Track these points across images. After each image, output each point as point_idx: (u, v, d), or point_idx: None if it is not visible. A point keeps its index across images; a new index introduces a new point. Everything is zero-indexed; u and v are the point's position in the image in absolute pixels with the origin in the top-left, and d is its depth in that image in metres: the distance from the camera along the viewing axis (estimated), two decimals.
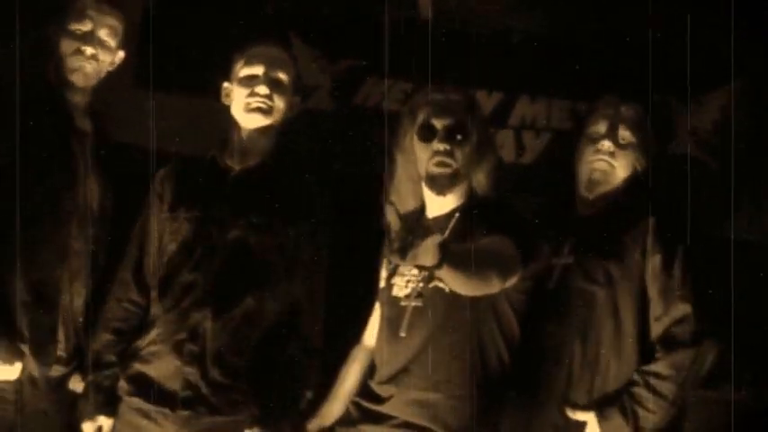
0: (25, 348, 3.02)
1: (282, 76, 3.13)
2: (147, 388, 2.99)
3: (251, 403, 2.99)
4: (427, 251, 2.42)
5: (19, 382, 3.03)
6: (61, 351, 3.11)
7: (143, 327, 3.08)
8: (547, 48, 3.81)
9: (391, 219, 2.42)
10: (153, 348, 3.03)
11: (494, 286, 2.70)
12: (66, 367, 3.14)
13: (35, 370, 3.05)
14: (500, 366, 2.88)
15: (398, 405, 2.87)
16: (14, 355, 3.00)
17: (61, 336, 3.11)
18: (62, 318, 3.11)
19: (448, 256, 2.46)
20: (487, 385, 2.85)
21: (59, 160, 3.10)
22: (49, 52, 3.18)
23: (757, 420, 3.47)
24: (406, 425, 2.84)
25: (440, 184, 2.93)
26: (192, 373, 2.96)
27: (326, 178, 3.23)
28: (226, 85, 3.17)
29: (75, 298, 3.14)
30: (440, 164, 2.91)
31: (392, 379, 2.90)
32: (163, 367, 3.00)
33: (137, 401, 3.00)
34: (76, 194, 3.14)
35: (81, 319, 3.15)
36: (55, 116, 3.11)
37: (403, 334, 2.88)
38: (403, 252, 2.37)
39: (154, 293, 3.09)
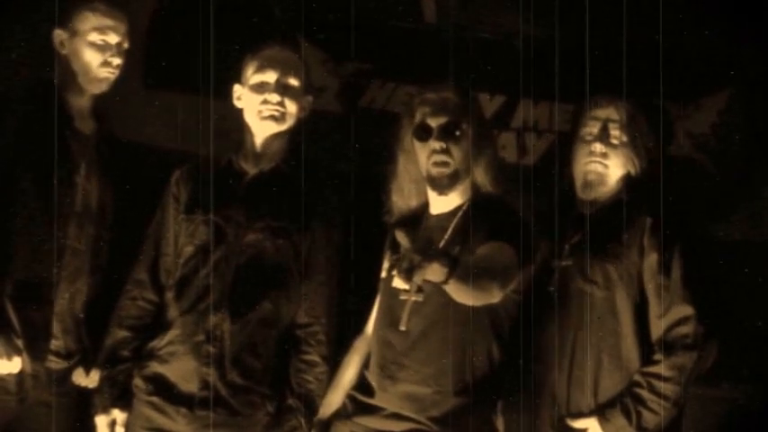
0: (19, 343, 3.05)
1: (294, 81, 3.14)
2: (164, 387, 3.03)
3: (268, 404, 3.04)
4: (435, 272, 2.47)
5: (21, 374, 3.06)
6: (59, 347, 3.14)
7: (160, 327, 3.11)
8: (548, 52, 3.84)
9: (401, 240, 2.46)
10: (171, 349, 3.07)
11: (495, 297, 2.74)
12: (66, 361, 3.17)
13: (28, 365, 3.08)
14: (489, 364, 2.90)
15: (389, 397, 2.91)
16: (13, 350, 3.04)
17: (58, 331, 3.14)
18: (60, 315, 3.13)
19: (456, 271, 2.50)
20: (476, 381, 2.87)
21: (56, 162, 3.11)
22: (53, 56, 3.19)
23: (755, 418, 3.49)
24: (396, 416, 2.88)
25: (440, 185, 2.96)
26: (210, 374, 3.00)
27: (334, 180, 3.27)
28: (237, 87, 3.18)
29: (76, 296, 3.17)
30: (438, 163, 2.94)
31: (384, 370, 2.93)
32: (181, 368, 3.04)
33: (154, 399, 3.03)
34: (75, 195, 3.15)
35: (81, 315, 3.18)
36: (52, 119, 3.12)
37: (403, 328, 2.90)
38: (409, 273, 2.40)
39: (170, 294, 3.11)
